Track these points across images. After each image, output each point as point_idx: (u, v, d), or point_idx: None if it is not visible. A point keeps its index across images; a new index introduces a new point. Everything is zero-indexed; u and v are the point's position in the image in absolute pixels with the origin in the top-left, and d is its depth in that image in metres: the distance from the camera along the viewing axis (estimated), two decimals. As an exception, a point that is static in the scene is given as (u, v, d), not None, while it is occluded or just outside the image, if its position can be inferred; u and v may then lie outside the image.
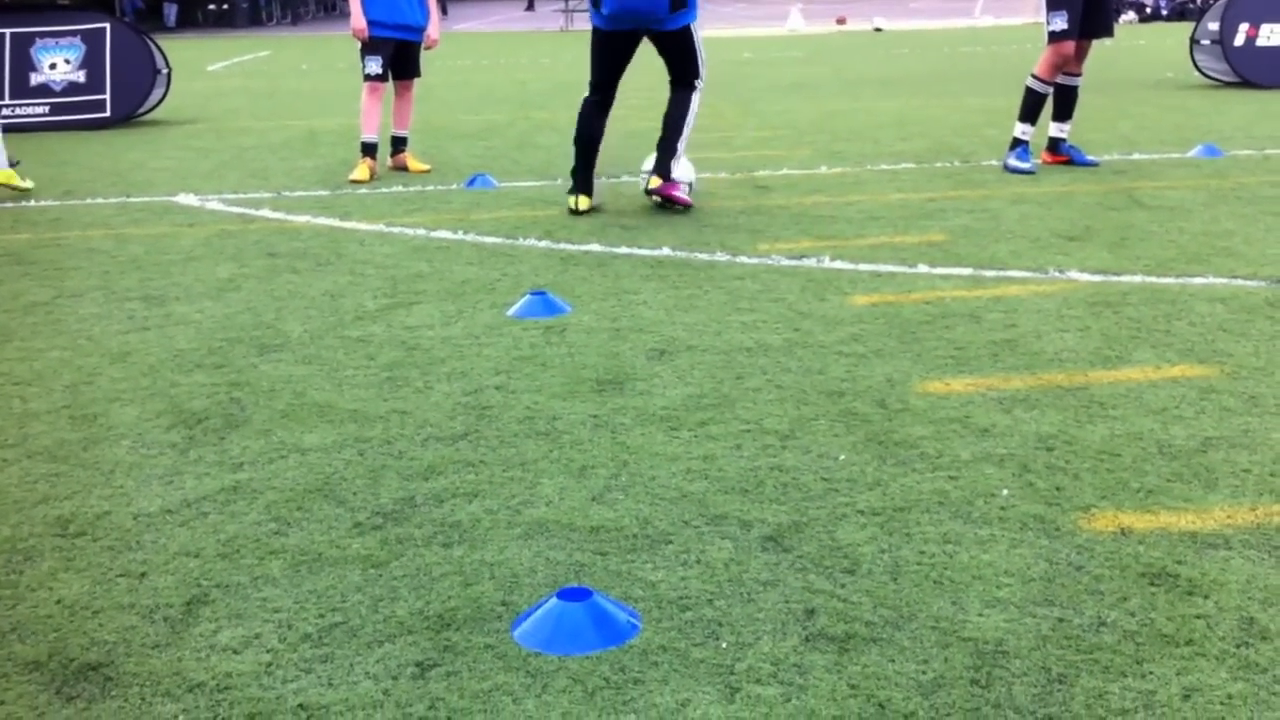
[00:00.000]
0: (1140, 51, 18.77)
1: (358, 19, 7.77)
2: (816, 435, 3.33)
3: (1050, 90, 7.61)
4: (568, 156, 6.80)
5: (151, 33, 14.68)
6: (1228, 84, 12.58)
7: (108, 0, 29.66)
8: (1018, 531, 2.74)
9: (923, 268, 5.18)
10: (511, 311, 4.65)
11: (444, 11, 33.54)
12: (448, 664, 2.25)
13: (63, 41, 11.25)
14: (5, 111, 10.82)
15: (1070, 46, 7.43)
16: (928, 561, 2.60)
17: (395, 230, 6.26)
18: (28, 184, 7.64)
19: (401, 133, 8.25)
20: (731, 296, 4.80)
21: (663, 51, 6.49)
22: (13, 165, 7.74)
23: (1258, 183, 7.06)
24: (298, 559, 2.68)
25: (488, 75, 17.25)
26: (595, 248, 5.74)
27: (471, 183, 7.60)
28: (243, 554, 2.71)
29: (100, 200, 7.39)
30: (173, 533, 2.83)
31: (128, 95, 11.34)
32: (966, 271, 5.11)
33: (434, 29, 8.08)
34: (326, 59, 21.56)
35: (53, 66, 11.19)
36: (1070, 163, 7.76)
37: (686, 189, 6.58)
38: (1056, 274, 5.03)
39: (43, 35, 11.20)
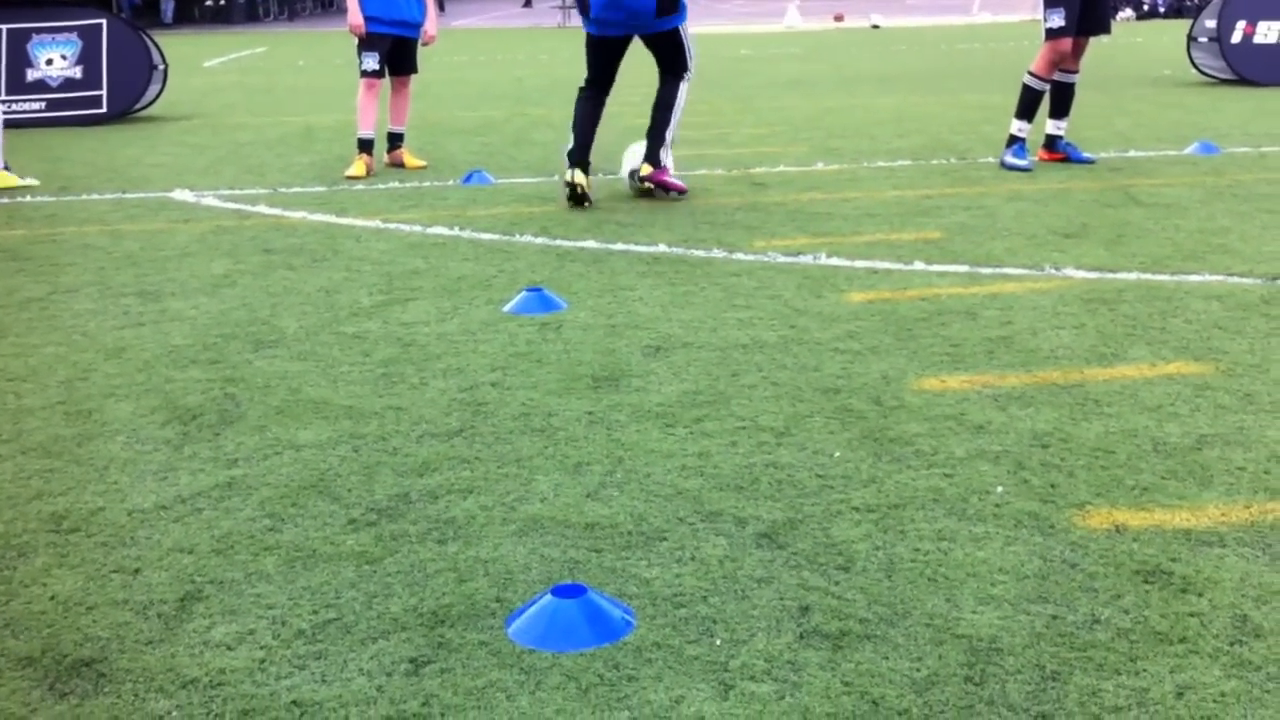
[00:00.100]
0: (1137, 49, 18.79)
1: (355, 15, 7.75)
2: (812, 432, 3.33)
3: (1047, 87, 7.61)
4: (564, 152, 6.80)
5: (148, 28, 14.65)
6: (1224, 81, 12.59)
7: (104, -4, 29.60)
8: (1012, 529, 2.74)
9: (919, 265, 5.18)
10: (507, 308, 4.64)
11: (441, 8, 33.44)
12: (442, 660, 2.25)
13: (59, 37, 11.22)
14: (1, 108, 10.81)
15: (1067, 43, 7.43)
16: (922, 558, 2.60)
17: (391, 226, 6.26)
18: (30, 181, 7.65)
19: (398, 129, 8.24)
20: (727, 293, 4.79)
21: (652, 48, 6.71)
22: (5, 169, 7.77)
23: (1254, 180, 7.07)
24: (292, 555, 2.68)
25: (484, 71, 17.23)
26: (591, 244, 5.74)
27: (468, 179, 7.60)
28: (237, 550, 2.71)
29: (96, 196, 7.38)
30: (167, 529, 2.83)
31: (124, 91, 11.31)
32: (962, 268, 5.11)
33: (431, 25, 8.08)
34: (323, 55, 21.54)
35: (49, 62, 11.17)
36: (1067, 160, 7.76)
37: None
38: (1052, 271, 5.03)
39: (39, 31, 11.17)
